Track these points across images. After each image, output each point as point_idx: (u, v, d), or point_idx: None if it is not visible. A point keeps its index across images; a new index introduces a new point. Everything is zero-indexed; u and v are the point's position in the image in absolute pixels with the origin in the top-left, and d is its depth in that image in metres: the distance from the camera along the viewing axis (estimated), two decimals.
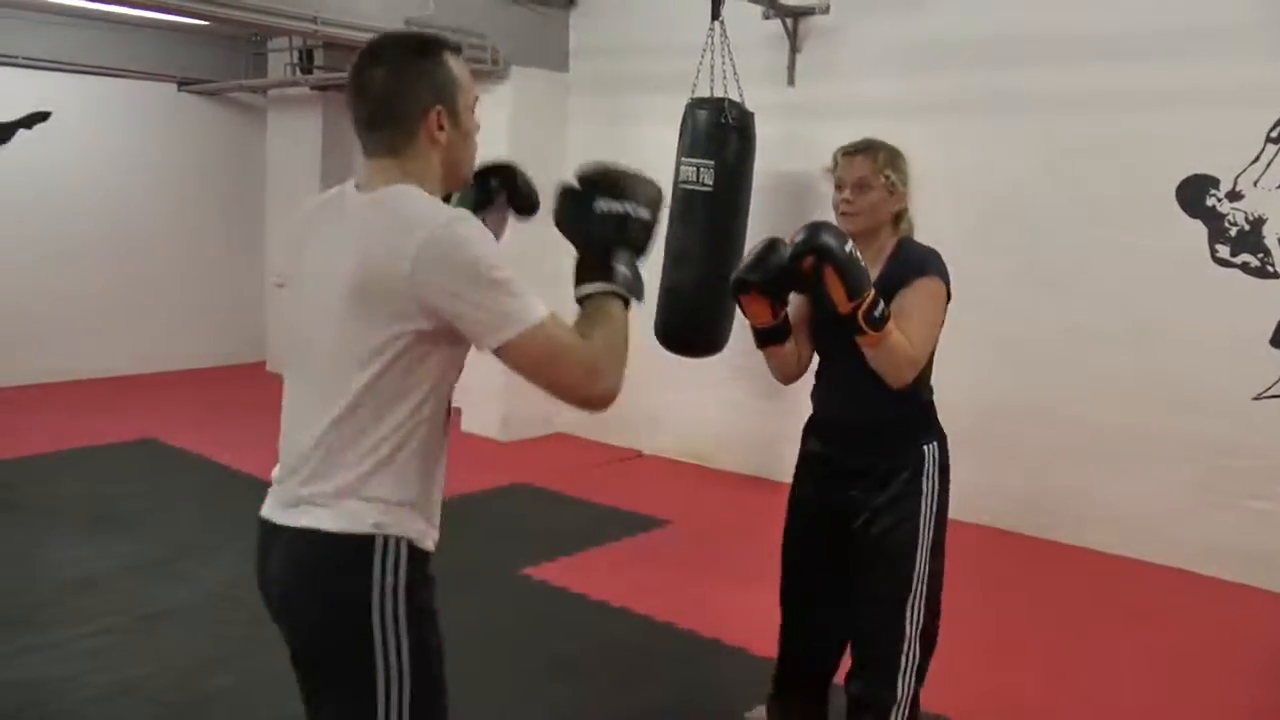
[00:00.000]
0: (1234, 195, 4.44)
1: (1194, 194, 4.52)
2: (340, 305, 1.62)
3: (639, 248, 1.79)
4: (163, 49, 8.04)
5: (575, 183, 1.80)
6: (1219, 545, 4.50)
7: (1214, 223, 4.50)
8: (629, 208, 1.76)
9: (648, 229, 1.80)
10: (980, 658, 3.64)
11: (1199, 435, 4.55)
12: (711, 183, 4.87)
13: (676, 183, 4.94)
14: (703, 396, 5.93)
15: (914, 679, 2.60)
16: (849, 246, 2.34)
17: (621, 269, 1.73)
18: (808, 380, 2.78)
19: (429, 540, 1.72)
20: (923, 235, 2.71)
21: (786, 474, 2.86)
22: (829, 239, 2.33)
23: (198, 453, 6.01)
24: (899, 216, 2.64)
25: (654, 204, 1.80)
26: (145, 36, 7.86)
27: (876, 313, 2.38)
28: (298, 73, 7.95)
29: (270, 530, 1.71)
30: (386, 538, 1.64)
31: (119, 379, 7.99)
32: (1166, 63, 4.52)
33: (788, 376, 2.75)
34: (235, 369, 8.53)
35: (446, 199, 1.76)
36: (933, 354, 2.57)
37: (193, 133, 8.48)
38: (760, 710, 2.95)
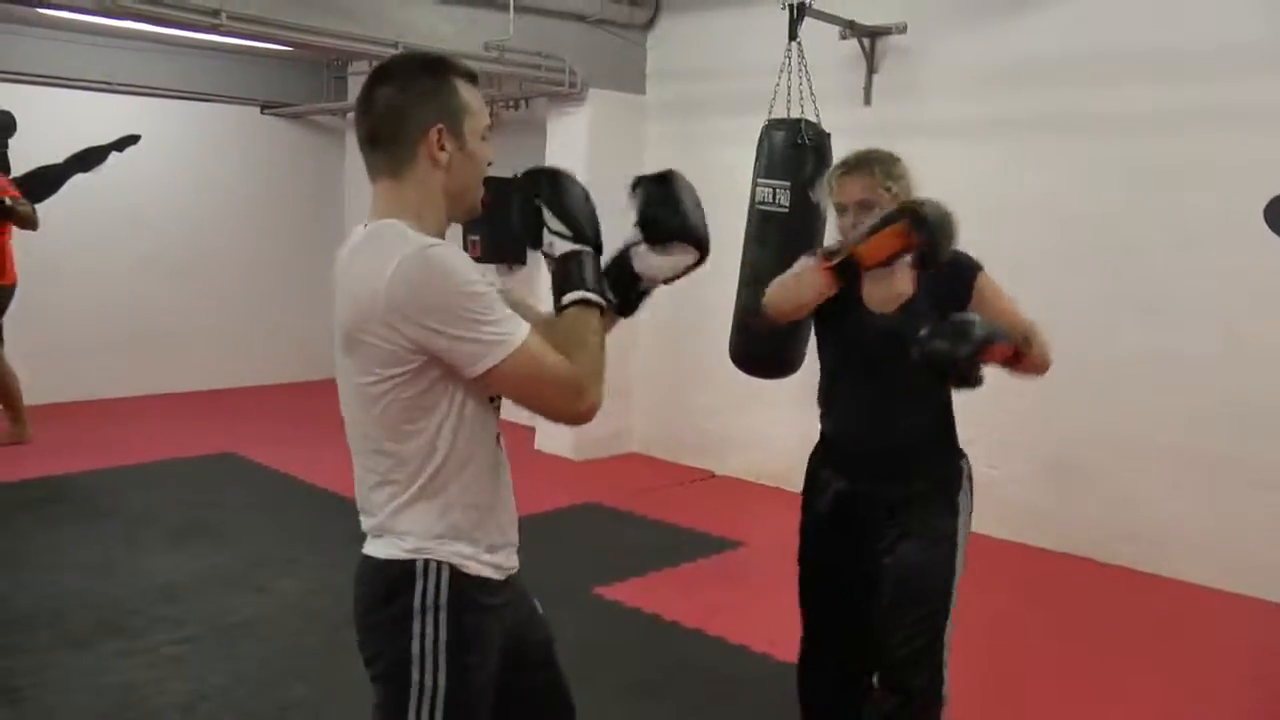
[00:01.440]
0: None
1: None
2: (341, 353, 1.65)
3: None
4: (247, 74, 8.29)
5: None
6: None
7: None
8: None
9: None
10: (1062, 688, 3.55)
11: None
12: (787, 204, 4.83)
13: (753, 204, 4.93)
14: (776, 418, 5.87)
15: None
16: (980, 330, 2.14)
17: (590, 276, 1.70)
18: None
19: (475, 565, 1.70)
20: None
21: None
22: (966, 344, 2.13)
23: (275, 467, 6.13)
24: None
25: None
26: (231, 62, 8.10)
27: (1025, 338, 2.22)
28: None
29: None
30: (427, 562, 1.66)
31: (201, 394, 8.20)
32: (1261, 80, 4.40)
33: (788, 314, 2.58)
34: (311, 385, 8.67)
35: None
36: None
37: (275, 154, 8.72)
38: None
